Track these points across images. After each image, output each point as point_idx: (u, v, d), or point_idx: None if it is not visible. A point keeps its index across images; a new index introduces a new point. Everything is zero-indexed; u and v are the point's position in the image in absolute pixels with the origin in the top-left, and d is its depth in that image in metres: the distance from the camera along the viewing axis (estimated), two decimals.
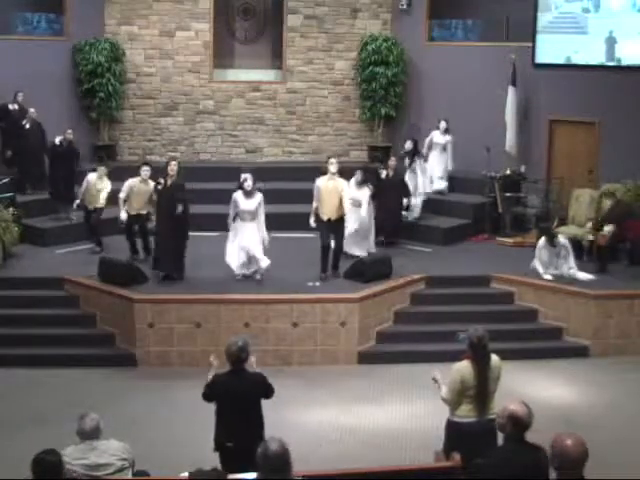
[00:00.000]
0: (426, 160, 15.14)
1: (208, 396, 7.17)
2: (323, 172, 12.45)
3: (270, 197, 12.32)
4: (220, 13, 17.10)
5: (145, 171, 12.87)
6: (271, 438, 4.94)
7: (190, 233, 12.41)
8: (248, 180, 11.84)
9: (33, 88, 14.99)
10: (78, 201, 13.64)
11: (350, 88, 17.37)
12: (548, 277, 12.47)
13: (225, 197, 12.13)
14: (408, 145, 14.81)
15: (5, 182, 14.21)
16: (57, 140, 14.20)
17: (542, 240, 12.55)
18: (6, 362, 11.09)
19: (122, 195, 12.83)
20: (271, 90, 17.31)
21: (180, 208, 11.86)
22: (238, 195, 11.87)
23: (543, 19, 15.45)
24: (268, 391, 7.20)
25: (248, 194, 11.83)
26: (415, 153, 14.78)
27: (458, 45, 16.70)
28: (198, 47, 17.04)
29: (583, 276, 12.54)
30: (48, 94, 15.44)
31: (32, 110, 14.72)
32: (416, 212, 14.74)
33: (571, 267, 12.51)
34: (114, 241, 13.76)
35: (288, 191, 14.88)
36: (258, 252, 11.95)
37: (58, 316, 11.98)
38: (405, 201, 13.99)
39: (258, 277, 12.08)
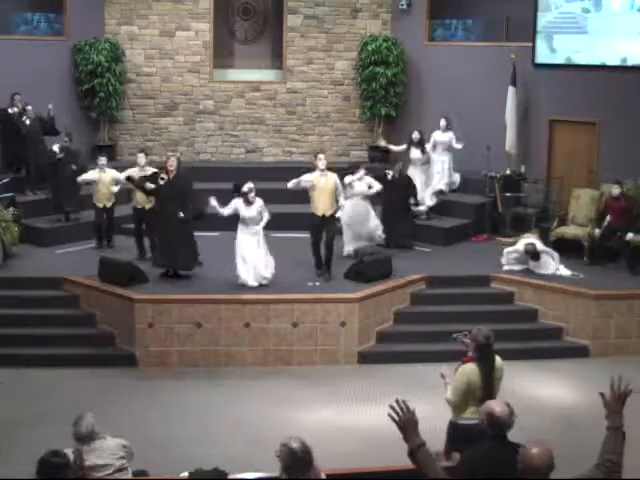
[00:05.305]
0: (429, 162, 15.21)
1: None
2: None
3: (270, 197, 12.29)
4: (220, 13, 17.08)
5: (141, 158, 12.95)
6: (291, 437, 4.87)
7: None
8: (253, 192, 11.76)
9: (33, 88, 14.95)
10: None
11: (350, 88, 17.35)
12: (506, 268, 12.99)
13: (225, 197, 12.10)
14: (416, 135, 14.79)
15: (5, 182, 14.19)
16: (56, 148, 14.01)
17: (522, 249, 12.89)
18: (6, 362, 11.07)
19: (122, 176, 13.11)
20: (271, 90, 17.30)
21: (191, 212, 12.05)
22: (238, 202, 11.80)
23: (543, 19, 15.44)
24: None
25: (249, 203, 11.80)
26: (423, 143, 14.85)
27: (458, 45, 16.70)
28: (198, 47, 17.03)
29: (568, 272, 12.81)
30: (48, 94, 15.39)
31: (29, 107, 14.58)
32: (428, 202, 14.89)
33: (557, 267, 12.82)
34: (117, 241, 13.79)
35: (288, 191, 14.84)
36: (264, 270, 11.92)
37: (58, 316, 11.98)
38: (412, 200, 13.95)
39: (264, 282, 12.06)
